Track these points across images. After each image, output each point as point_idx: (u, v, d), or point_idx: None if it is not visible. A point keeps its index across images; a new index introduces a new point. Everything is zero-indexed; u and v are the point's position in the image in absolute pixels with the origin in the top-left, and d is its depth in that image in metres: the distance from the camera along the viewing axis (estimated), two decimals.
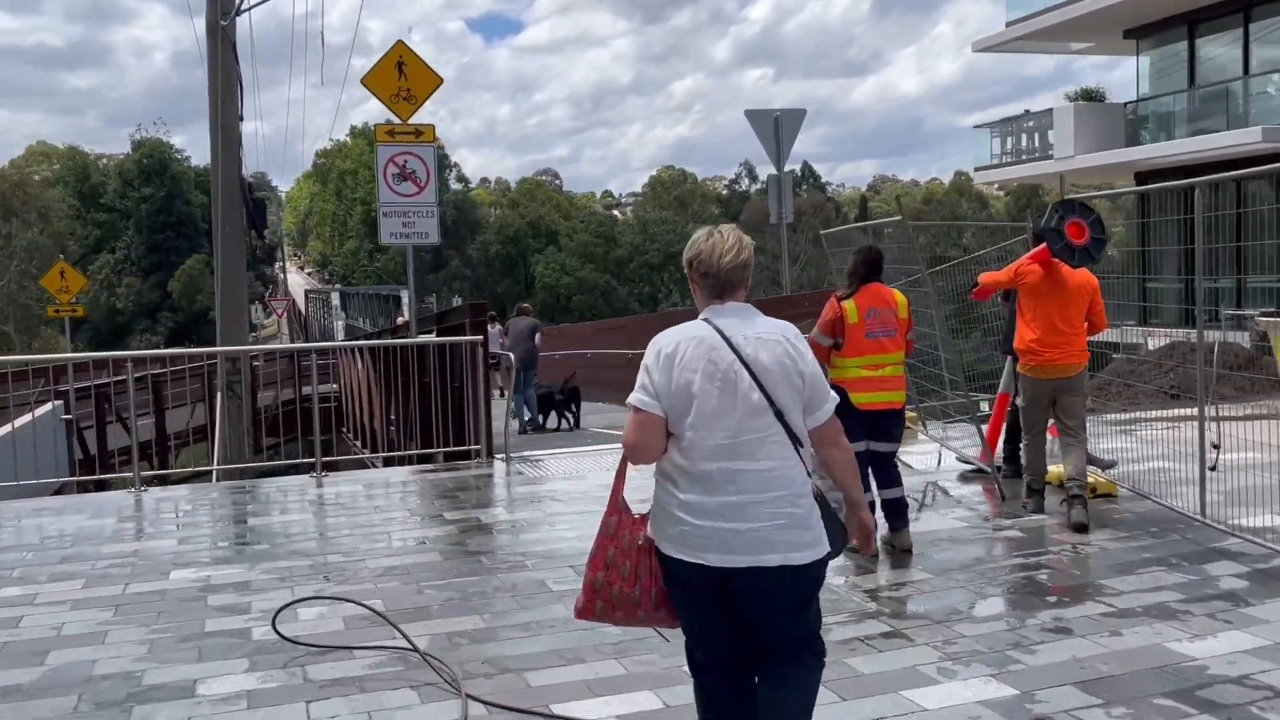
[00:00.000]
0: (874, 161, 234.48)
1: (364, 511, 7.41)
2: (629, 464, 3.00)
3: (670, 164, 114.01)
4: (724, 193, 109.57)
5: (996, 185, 45.94)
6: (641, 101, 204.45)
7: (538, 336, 16.62)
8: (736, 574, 2.82)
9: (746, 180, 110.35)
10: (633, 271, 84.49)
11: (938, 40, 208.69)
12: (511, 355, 10.96)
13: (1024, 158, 27.18)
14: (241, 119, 12.06)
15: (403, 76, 9.42)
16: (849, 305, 5.91)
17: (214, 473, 9.83)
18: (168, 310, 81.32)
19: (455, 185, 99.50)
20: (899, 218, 7.79)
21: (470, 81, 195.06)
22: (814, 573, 2.90)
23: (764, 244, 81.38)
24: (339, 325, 58.37)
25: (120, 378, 14.20)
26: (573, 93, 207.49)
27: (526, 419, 15.65)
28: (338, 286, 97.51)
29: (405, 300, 55.00)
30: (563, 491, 7.88)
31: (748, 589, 2.85)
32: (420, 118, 9.78)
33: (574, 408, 16.11)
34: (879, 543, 5.74)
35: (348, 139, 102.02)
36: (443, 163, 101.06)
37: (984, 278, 7.13)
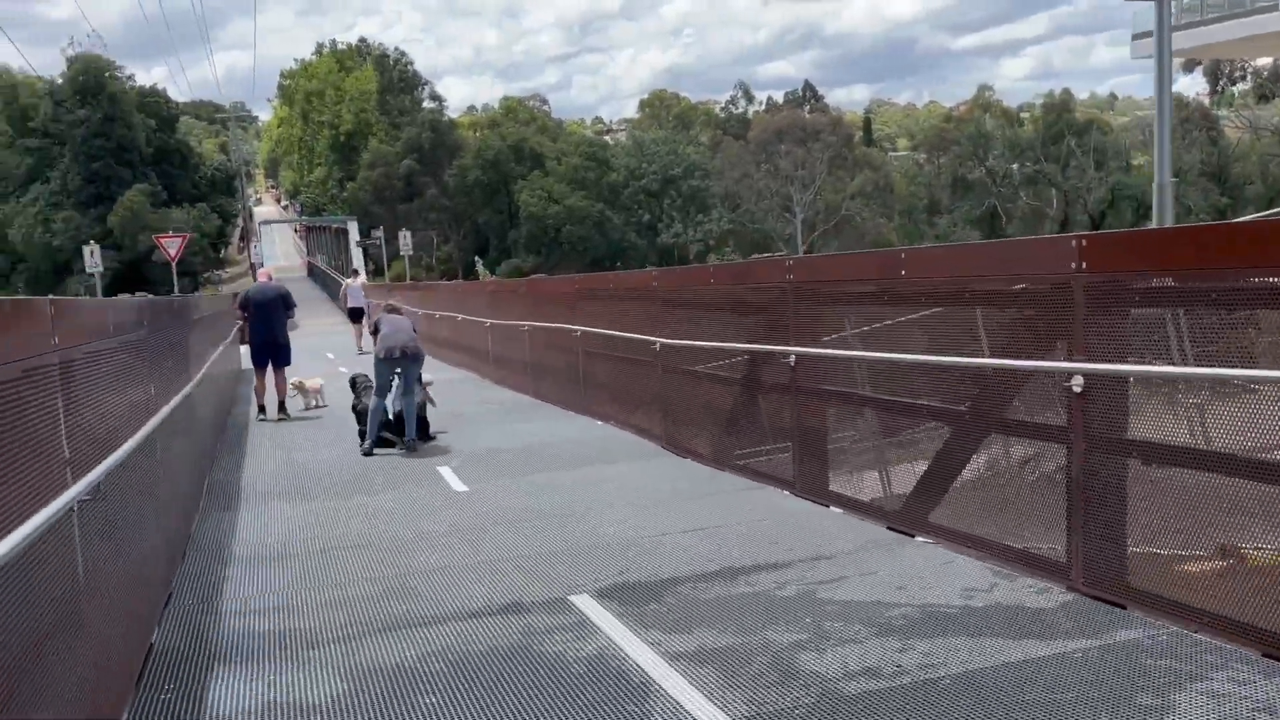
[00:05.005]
0: (866, 86, 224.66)
1: None
2: None
3: (662, 89, 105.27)
4: (721, 114, 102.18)
5: (1179, 60, 36.17)
6: (631, 26, 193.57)
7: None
8: None
9: (743, 101, 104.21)
10: (628, 198, 75.30)
11: None
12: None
13: (1210, 15, 18.16)
14: None
15: None
16: None
17: None
18: (110, 248, 72.64)
19: (429, 104, 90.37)
20: None
21: (456, 8, 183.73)
22: None
23: (776, 163, 72.47)
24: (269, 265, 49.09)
25: None
26: (561, 17, 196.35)
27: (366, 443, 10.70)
28: (301, 219, 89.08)
29: (354, 236, 45.73)
30: None
31: None
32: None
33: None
34: None
35: (314, 57, 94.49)
36: (415, 79, 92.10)
37: None
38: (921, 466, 6.38)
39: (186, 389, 7.24)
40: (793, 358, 7.25)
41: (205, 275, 75.76)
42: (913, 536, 6.19)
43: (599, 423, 11.71)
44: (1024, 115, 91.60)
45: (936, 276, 5.77)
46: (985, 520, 5.62)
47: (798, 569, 5.72)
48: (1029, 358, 5.05)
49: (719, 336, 8.59)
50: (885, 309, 6.30)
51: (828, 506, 7.09)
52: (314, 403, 14.41)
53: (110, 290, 63.91)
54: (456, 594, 5.70)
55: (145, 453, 5.42)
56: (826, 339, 7.13)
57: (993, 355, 5.46)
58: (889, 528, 6.40)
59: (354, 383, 11.89)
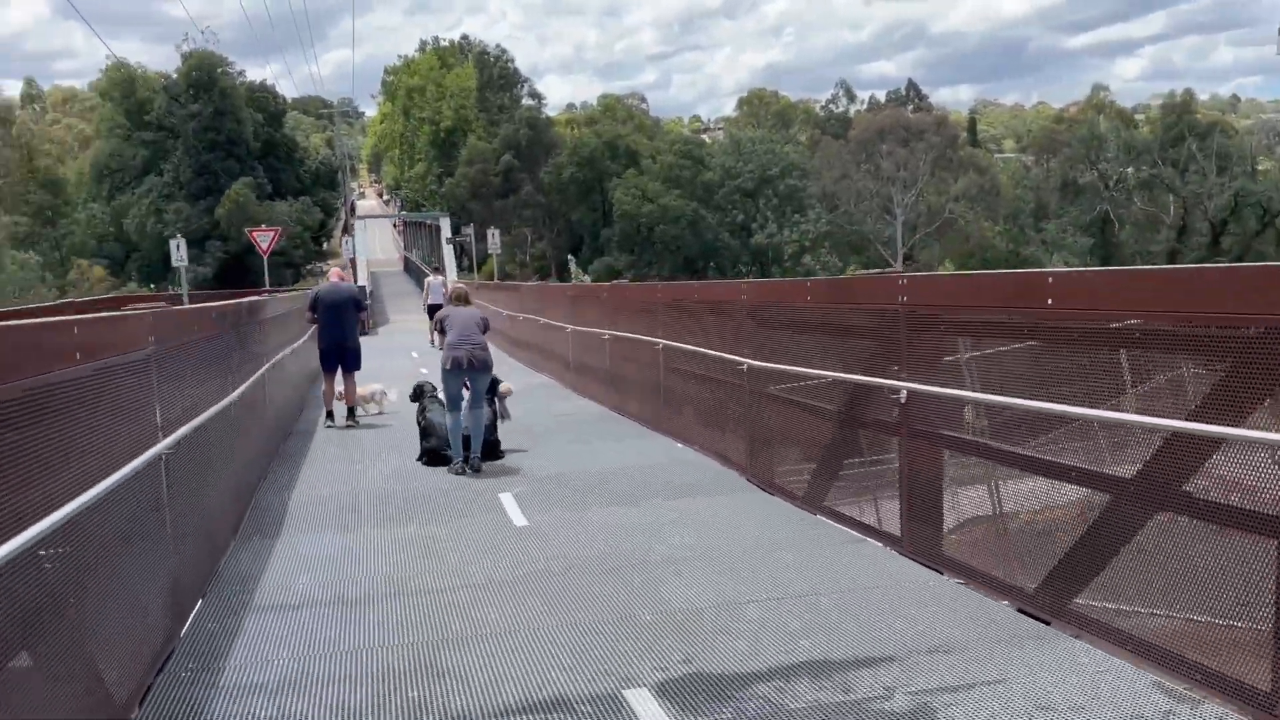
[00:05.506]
0: (971, 87, 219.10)
1: None
2: None
3: (761, 87, 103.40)
4: (821, 113, 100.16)
5: None
6: (731, 24, 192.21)
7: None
8: None
9: (844, 100, 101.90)
10: (723, 198, 74.00)
11: None
12: None
13: None
14: None
15: None
16: None
17: None
18: (217, 240, 74.69)
19: (528, 101, 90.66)
20: None
21: (558, 6, 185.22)
22: None
23: (877, 163, 70.55)
24: (362, 259, 49.52)
25: None
26: (660, 16, 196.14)
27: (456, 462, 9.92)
28: (400, 214, 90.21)
29: (445, 233, 45.70)
30: None
31: None
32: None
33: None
34: None
35: (417, 54, 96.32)
36: (515, 76, 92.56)
37: None
38: (1060, 532, 5.22)
39: (208, 413, 6.47)
40: (904, 394, 6.13)
41: (307, 268, 77.16)
42: (1048, 624, 5.04)
43: (678, 445, 10.71)
44: (1139, 117, 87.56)
45: (1097, 309, 4.60)
46: (1153, 619, 4.45)
47: (908, 666, 4.63)
48: (1228, 421, 3.87)
49: (816, 361, 7.51)
50: (1023, 345, 5.16)
51: (942, 574, 5.95)
52: (373, 409, 13.72)
53: (217, 281, 65.60)
54: (488, 675, 4.76)
55: (136, 497, 4.64)
56: (947, 359, 6.01)
57: (1159, 410, 4.29)
58: (1020, 610, 5.25)
59: (420, 391, 11.05)
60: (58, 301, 33.61)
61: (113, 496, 4.30)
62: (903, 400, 6.16)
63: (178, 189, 76.81)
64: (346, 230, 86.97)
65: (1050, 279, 4.84)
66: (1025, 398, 5.12)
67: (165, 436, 5.32)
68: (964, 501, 6.23)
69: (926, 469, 6.12)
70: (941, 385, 5.84)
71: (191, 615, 5.81)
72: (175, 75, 79.86)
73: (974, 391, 5.74)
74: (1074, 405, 4.67)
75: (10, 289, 54.72)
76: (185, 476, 5.82)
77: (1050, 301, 4.85)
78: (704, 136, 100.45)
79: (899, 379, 6.17)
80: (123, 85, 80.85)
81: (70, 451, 3.97)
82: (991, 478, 6.08)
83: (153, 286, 62.34)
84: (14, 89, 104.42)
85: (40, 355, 3.68)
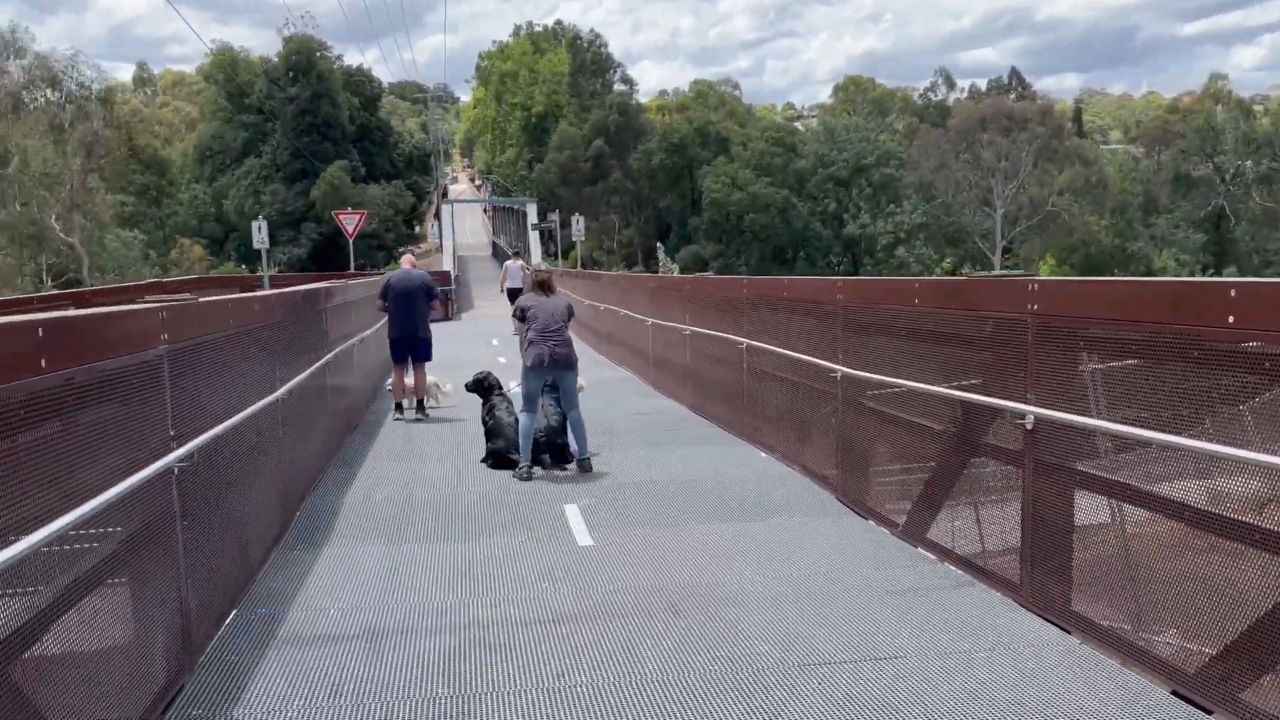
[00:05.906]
0: (1077, 75, 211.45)
1: None
2: None
3: (858, 74, 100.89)
4: (919, 101, 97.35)
5: None
6: (828, 10, 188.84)
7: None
8: None
9: (944, 88, 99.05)
10: (815, 187, 72.26)
11: None
12: None
13: None
14: None
15: None
16: None
17: None
18: (312, 221, 75.97)
19: (620, 87, 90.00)
20: None
21: None
22: None
23: (977, 153, 67.93)
24: (449, 244, 49.56)
25: None
26: (755, 1, 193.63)
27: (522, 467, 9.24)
28: (490, 199, 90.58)
29: (531, 219, 45.46)
30: None
31: None
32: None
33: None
34: None
35: (510, 40, 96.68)
36: (607, 62, 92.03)
37: None
38: (1225, 600, 4.27)
39: (241, 415, 5.86)
40: (1030, 419, 5.20)
41: (399, 250, 78.14)
42: (1211, 714, 4.11)
43: (762, 454, 9.86)
44: (1257, 108, 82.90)
45: None
46: None
47: None
48: None
49: (920, 372, 6.60)
50: (1190, 370, 4.21)
51: (1069, 633, 5.03)
52: (433, 402, 13.12)
53: (311, 262, 66.63)
54: None
55: (138, 516, 4.03)
56: (1080, 369, 5.07)
57: None
58: (1174, 692, 4.32)
59: (486, 386, 10.25)
60: (144, 281, 34.18)
61: (103, 519, 3.70)
62: (1029, 427, 5.23)
63: (275, 171, 78.35)
64: (437, 215, 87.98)
65: (1233, 291, 3.88)
66: (1188, 435, 4.18)
67: (179, 446, 4.72)
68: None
69: (1055, 509, 5.18)
70: (1079, 413, 4.90)
71: (213, 641, 5.23)
72: (276, 59, 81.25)
73: (1105, 419, 4.79)
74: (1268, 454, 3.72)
75: (112, 266, 56.28)
76: (207, 488, 5.22)
77: (1232, 319, 3.89)
78: (797, 124, 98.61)
79: (1026, 401, 5.25)
80: (226, 69, 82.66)
81: (42, 473, 3.36)
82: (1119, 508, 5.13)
83: (244, 267, 63.56)
84: (127, 73, 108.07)
85: None
